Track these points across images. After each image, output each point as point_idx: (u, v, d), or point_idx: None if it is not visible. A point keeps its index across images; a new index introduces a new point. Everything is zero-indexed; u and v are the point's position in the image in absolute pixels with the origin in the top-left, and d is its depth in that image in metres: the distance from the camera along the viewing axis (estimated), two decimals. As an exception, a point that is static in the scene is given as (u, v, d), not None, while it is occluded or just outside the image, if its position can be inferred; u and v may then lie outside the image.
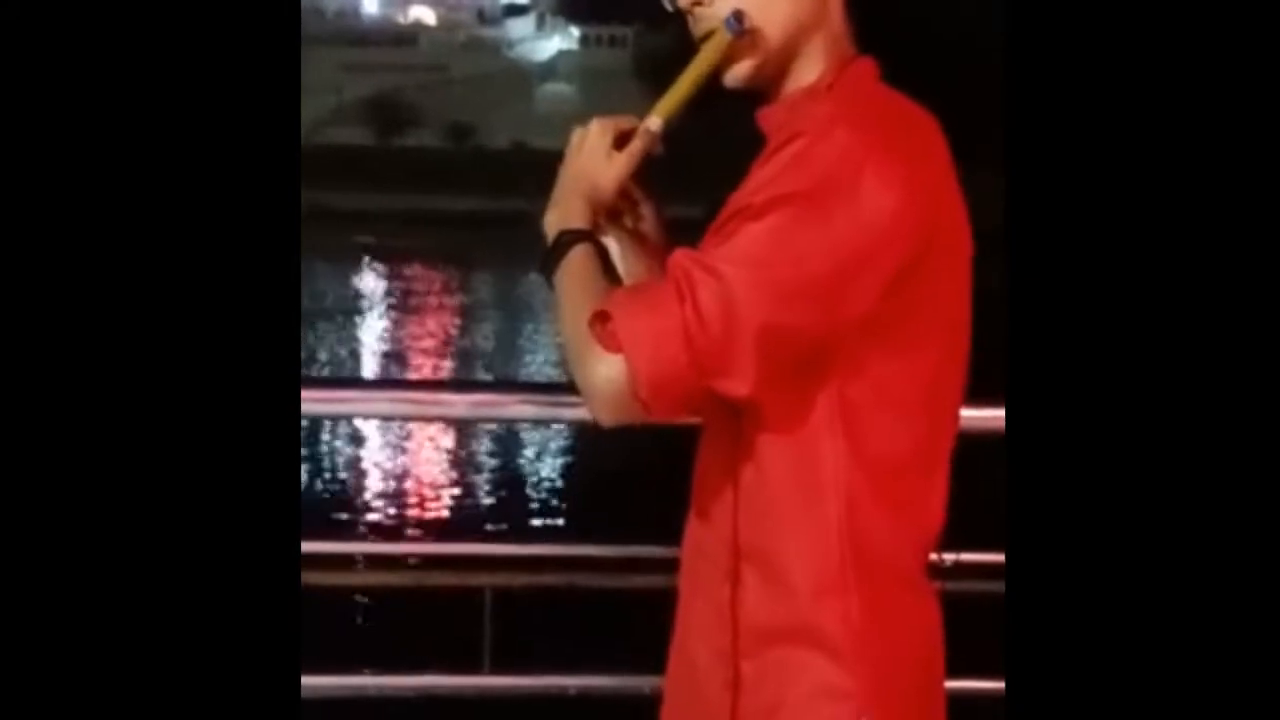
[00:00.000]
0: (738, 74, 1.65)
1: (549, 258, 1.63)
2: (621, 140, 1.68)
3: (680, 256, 1.50)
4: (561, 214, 1.66)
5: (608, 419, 1.53)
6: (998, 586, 1.56)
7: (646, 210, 1.80)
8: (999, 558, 1.86)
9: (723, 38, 1.62)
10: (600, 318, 1.51)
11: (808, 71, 1.64)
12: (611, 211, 1.73)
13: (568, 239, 1.63)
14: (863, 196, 1.45)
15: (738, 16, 1.61)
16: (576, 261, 1.61)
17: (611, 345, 1.48)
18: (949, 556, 1.86)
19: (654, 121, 1.67)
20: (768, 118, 1.68)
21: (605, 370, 1.49)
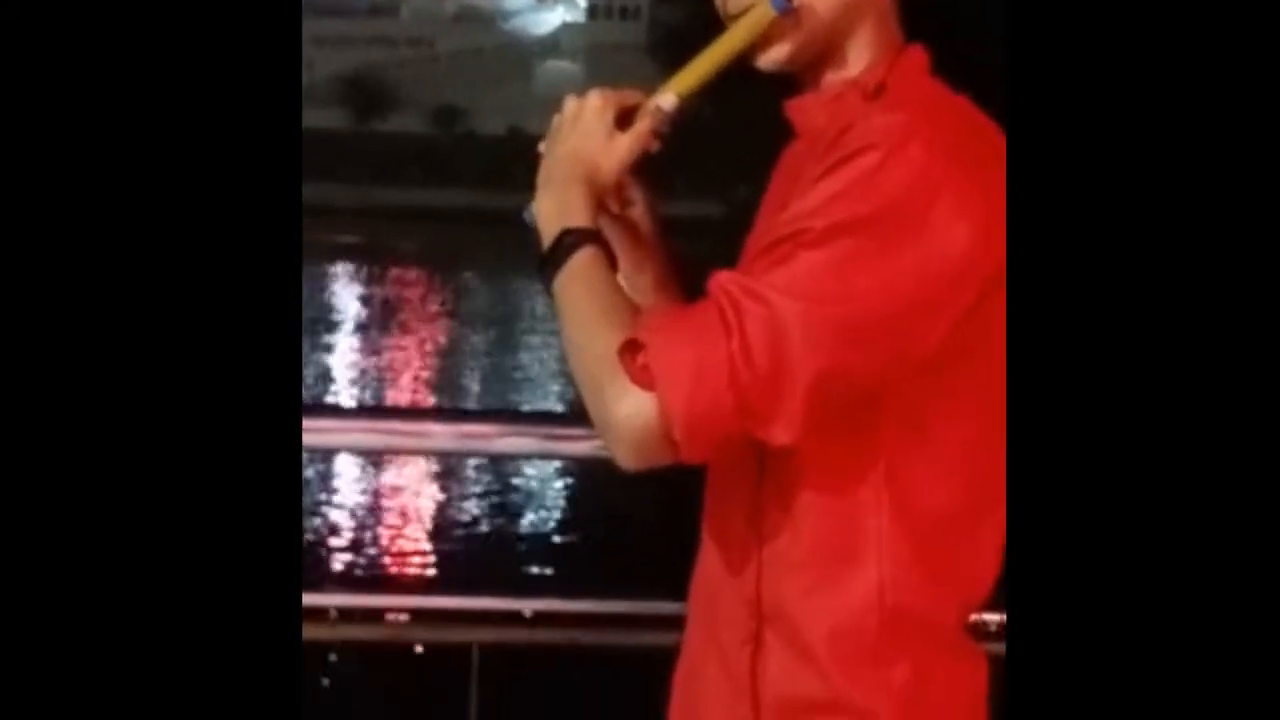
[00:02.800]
0: (776, 56, 1.62)
1: (549, 260, 1.59)
2: (624, 117, 1.63)
3: (725, 280, 1.47)
4: (559, 205, 1.61)
5: (631, 461, 1.50)
6: (996, 648, 1.56)
7: (635, 194, 1.76)
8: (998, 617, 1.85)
9: (765, 14, 1.59)
10: (630, 347, 1.48)
11: (854, 59, 1.62)
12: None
13: (571, 240, 1.58)
14: (934, 226, 1.44)
15: None
16: (585, 269, 1.56)
17: (643, 380, 1.45)
18: (992, 617, 1.85)
19: (667, 99, 1.63)
20: (802, 109, 1.67)
21: (632, 406, 1.46)
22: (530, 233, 1.66)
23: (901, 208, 1.44)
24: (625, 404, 1.46)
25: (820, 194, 1.47)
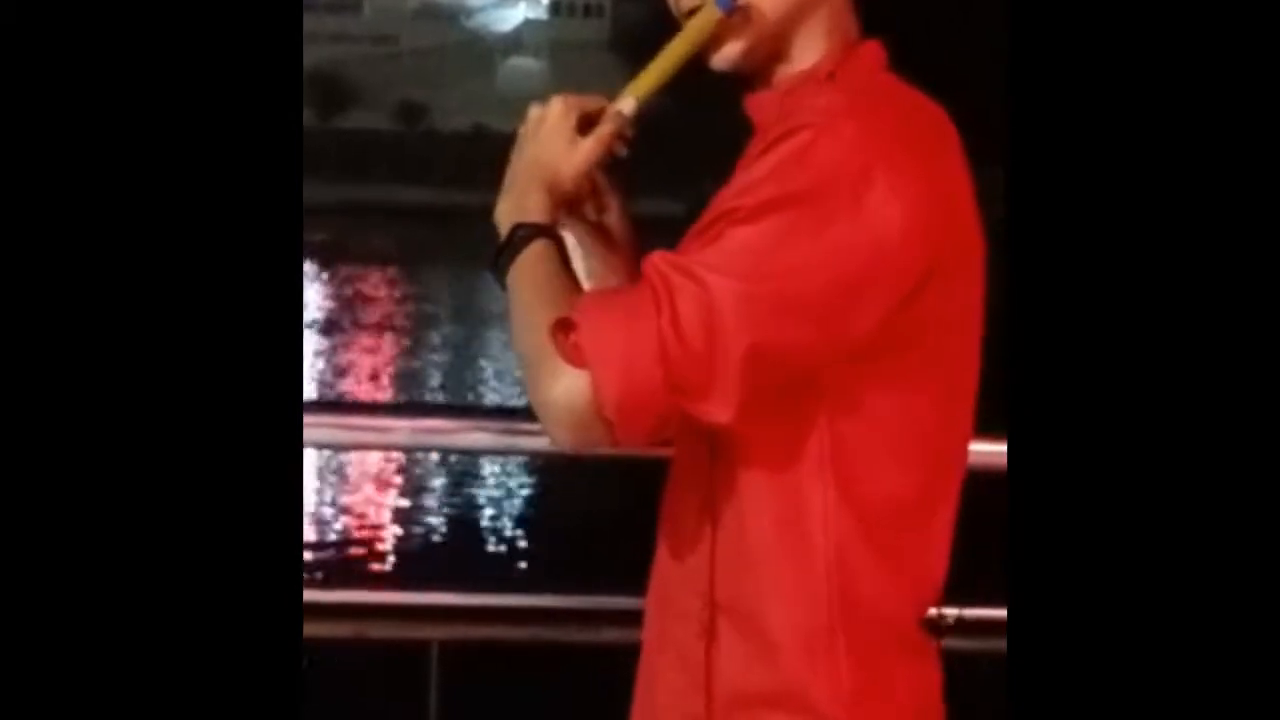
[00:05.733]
0: (727, 55, 1.64)
1: (501, 255, 1.61)
2: (587, 123, 1.65)
3: (657, 259, 1.49)
4: (516, 205, 1.64)
5: (567, 442, 1.52)
6: (999, 645, 1.56)
7: (610, 201, 1.79)
8: (1000, 613, 1.86)
9: (712, 14, 1.61)
10: (563, 326, 1.50)
11: (806, 54, 1.64)
12: (570, 202, 1.70)
13: (523, 234, 1.60)
14: (869, 203, 1.45)
15: None
16: (532, 260, 1.59)
17: (575, 358, 1.47)
18: (950, 611, 1.85)
19: (626, 103, 1.66)
20: (758, 105, 1.68)
21: (565, 386, 1.48)
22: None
23: (832, 184, 1.45)
24: (559, 383, 1.48)
25: (754, 174, 1.49)
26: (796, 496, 1.55)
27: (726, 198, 1.50)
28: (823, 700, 1.54)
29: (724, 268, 1.45)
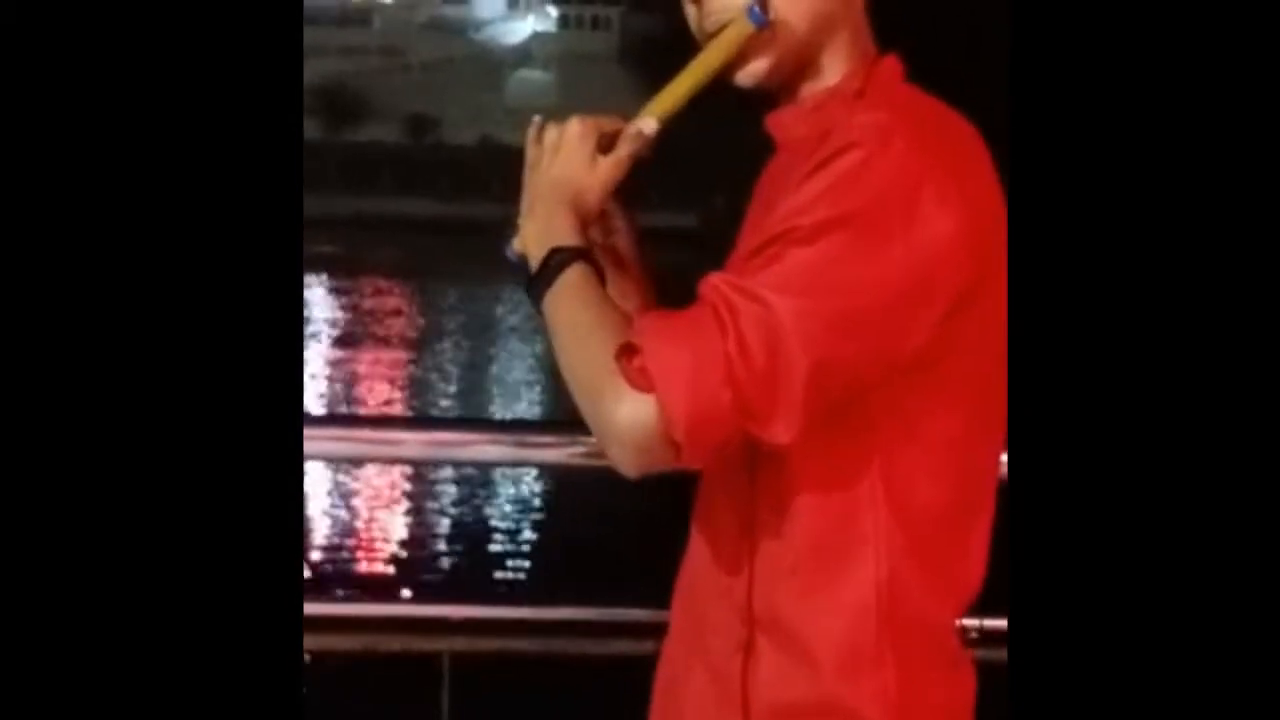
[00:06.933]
0: (754, 71, 1.65)
1: (539, 278, 1.61)
2: (604, 143, 1.65)
3: (717, 281, 1.48)
4: (545, 227, 1.63)
5: (633, 466, 1.50)
6: (1000, 655, 1.56)
7: (619, 222, 1.79)
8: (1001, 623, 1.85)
9: (743, 29, 1.61)
10: (626, 351, 1.49)
11: (831, 70, 1.65)
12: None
13: (561, 257, 1.60)
14: (921, 219, 1.46)
15: (763, 5, 1.60)
16: (577, 283, 1.58)
17: (640, 382, 1.46)
18: (971, 623, 1.85)
19: (648, 123, 1.65)
20: (782, 122, 1.69)
21: (631, 410, 1.46)
22: (510, 262, 1.68)
23: (887, 201, 1.46)
24: (624, 408, 1.47)
25: (807, 193, 1.48)
26: (847, 509, 1.55)
27: (781, 218, 1.49)
28: (869, 711, 1.55)
29: (786, 288, 1.45)
